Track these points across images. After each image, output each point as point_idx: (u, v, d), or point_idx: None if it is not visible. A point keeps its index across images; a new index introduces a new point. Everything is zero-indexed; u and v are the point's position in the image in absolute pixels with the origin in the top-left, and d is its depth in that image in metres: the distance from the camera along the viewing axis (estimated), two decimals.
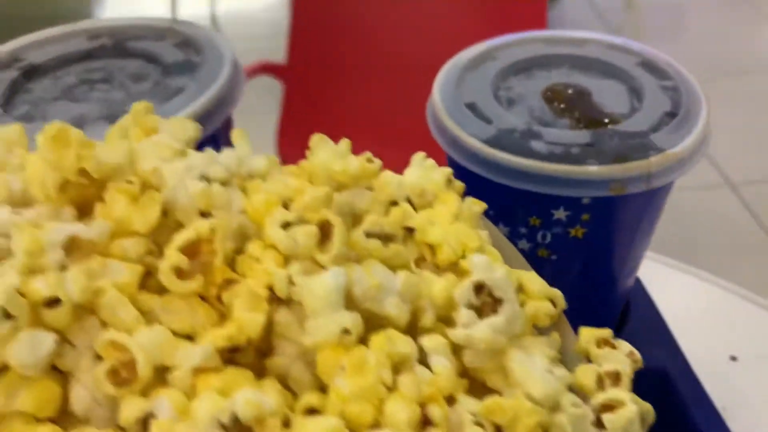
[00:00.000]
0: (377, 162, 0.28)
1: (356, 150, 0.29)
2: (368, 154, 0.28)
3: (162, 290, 0.25)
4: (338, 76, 1.18)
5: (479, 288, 0.24)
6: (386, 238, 0.25)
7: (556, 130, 0.39)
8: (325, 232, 0.24)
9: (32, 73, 0.41)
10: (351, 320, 0.22)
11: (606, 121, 0.40)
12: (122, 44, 0.42)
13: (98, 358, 0.22)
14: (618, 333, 0.49)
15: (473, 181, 0.39)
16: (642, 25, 1.92)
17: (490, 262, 0.24)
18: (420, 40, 1.14)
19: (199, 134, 0.30)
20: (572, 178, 0.37)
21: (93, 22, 0.44)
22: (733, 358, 0.61)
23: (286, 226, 0.24)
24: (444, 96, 0.42)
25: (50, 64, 0.41)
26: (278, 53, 1.17)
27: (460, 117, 0.41)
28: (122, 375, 0.21)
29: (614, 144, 0.38)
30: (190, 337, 0.23)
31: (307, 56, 1.16)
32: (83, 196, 0.26)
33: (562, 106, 0.42)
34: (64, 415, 0.23)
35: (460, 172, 0.41)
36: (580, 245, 0.41)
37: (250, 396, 0.21)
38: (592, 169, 0.37)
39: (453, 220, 0.26)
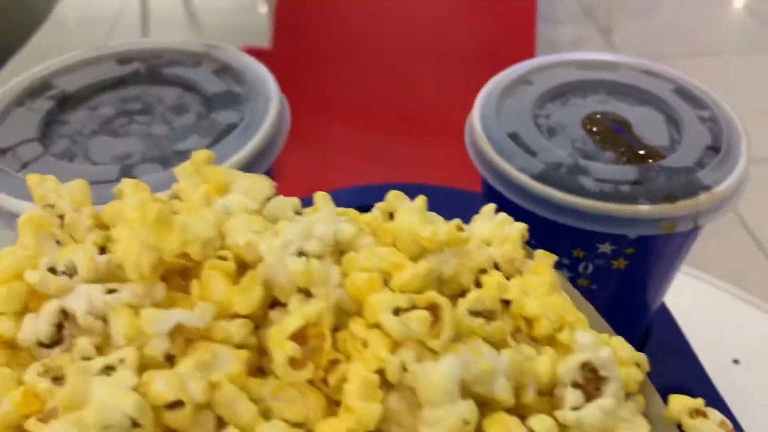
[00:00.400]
0: (467, 228, 0.28)
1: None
2: (458, 221, 0.28)
3: (263, 369, 0.25)
4: (324, 62, 1.16)
5: (583, 365, 0.25)
6: (487, 315, 0.25)
7: (602, 165, 0.40)
8: (432, 313, 0.24)
9: (66, 102, 0.39)
10: (469, 410, 0.22)
11: (648, 153, 0.41)
12: (156, 70, 0.41)
13: None
14: (639, 349, 0.51)
15: (515, 210, 0.39)
16: (614, 3, 1.93)
17: (596, 340, 0.25)
18: (406, 26, 1.13)
19: (274, 191, 0.29)
20: (622, 217, 0.38)
21: (122, 44, 0.42)
22: (736, 362, 0.63)
23: (396, 311, 0.24)
24: (485, 124, 0.42)
25: (83, 92, 0.39)
26: (254, 28, 1.14)
27: (503, 148, 0.40)
28: None
29: (662, 182, 0.38)
30: (300, 425, 0.23)
31: (292, 42, 1.14)
32: (170, 269, 0.26)
33: (603, 137, 0.42)
34: None
35: (499, 200, 0.41)
36: (621, 276, 0.42)
37: None
38: (643, 209, 0.37)
39: (549, 292, 0.26)
